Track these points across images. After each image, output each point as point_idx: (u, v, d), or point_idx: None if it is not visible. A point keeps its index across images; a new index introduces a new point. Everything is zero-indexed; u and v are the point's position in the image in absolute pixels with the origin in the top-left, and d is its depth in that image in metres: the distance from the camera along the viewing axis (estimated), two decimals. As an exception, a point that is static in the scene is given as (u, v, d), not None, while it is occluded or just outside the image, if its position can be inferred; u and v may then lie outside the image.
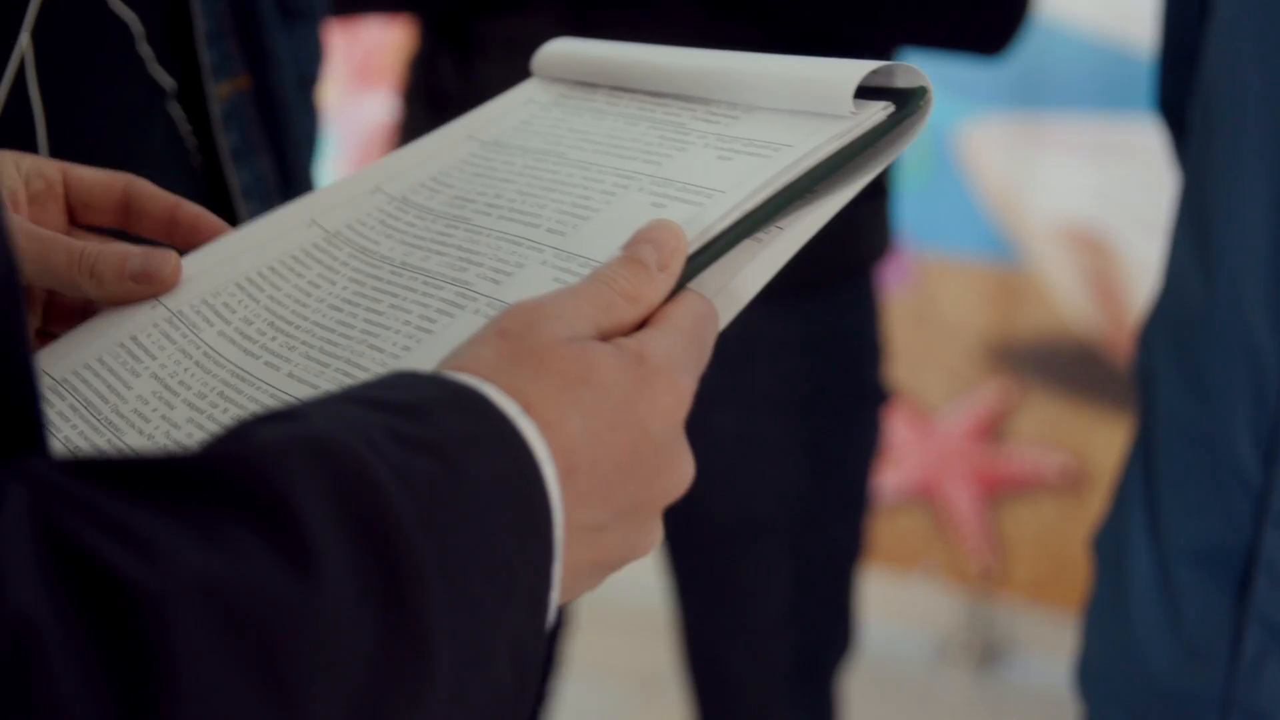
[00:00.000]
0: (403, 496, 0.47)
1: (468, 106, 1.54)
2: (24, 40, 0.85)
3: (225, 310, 0.71)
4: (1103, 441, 2.69)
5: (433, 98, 1.60)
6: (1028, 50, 2.50)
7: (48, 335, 0.74)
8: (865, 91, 0.67)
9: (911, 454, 2.83)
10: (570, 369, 0.56)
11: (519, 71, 1.51)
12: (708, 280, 0.64)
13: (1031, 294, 2.73)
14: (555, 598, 0.54)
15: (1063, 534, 2.75)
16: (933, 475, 2.83)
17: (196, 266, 0.73)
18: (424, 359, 0.62)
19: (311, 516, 0.45)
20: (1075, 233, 2.66)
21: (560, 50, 0.83)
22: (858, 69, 0.67)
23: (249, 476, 0.45)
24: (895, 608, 2.86)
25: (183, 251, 0.74)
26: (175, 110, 0.94)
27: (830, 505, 1.61)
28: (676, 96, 0.75)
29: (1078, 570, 2.74)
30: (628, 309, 0.60)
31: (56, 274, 0.70)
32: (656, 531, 0.60)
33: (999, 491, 2.79)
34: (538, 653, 0.53)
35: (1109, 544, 1.23)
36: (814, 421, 1.58)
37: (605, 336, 0.59)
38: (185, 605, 0.41)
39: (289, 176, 1.00)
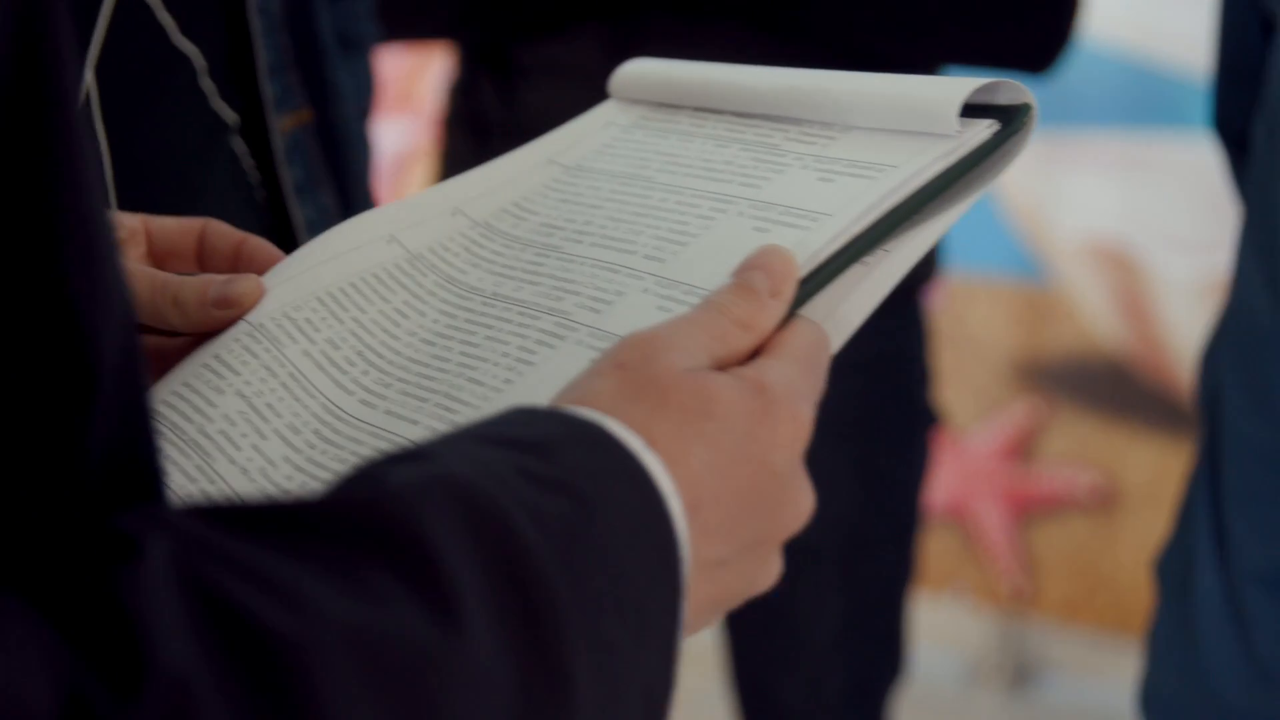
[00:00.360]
0: (538, 538, 0.47)
1: (510, 132, 1.55)
2: (88, 77, 0.84)
3: (308, 327, 0.69)
4: (1133, 459, 2.68)
5: (474, 124, 1.59)
6: (1053, 68, 2.50)
7: None
8: (966, 109, 0.65)
9: (941, 474, 2.82)
10: (691, 401, 0.55)
11: (562, 96, 1.50)
12: (815, 306, 0.62)
13: (1060, 312, 2.72)
14: (682, 637, 0.53)
15: (1094, 553, 2.73)
16: (963, 495, 2.81)
17: (275, 277, 0.71)
18: (527, 391, 0.61)
19: (452, 562, 0.44)
20: (1103, 250, 2.65)
21: (638, 71, 0.81)
22: (962, 86, 0.65)
23: (387, 521, 0.44)
24: (927, 629, 2.84)
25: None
26: (238, 145, 0.93)
27: (881, 529, 1.60)
28: (766, 117, 0.73)
29: (1109, 589, 2.72)
30: (742, 337, 0.59)
31: (142, 306, 0.69)
32: (776, 565, 0.59)
33: (1029, 511, 2.78)
34: (667, 695, 0.52)
35: (1173, 568, 1.21)
36: (864, 445, 1.57)
37: (720, 366, 0.58)
38: (334, 656, 0.41)
39: (351, 209, 0.99)
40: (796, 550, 1.58)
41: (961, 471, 2.80)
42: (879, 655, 1.64)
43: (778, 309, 0.60)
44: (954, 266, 2.76)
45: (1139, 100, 2.59)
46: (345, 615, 0.41)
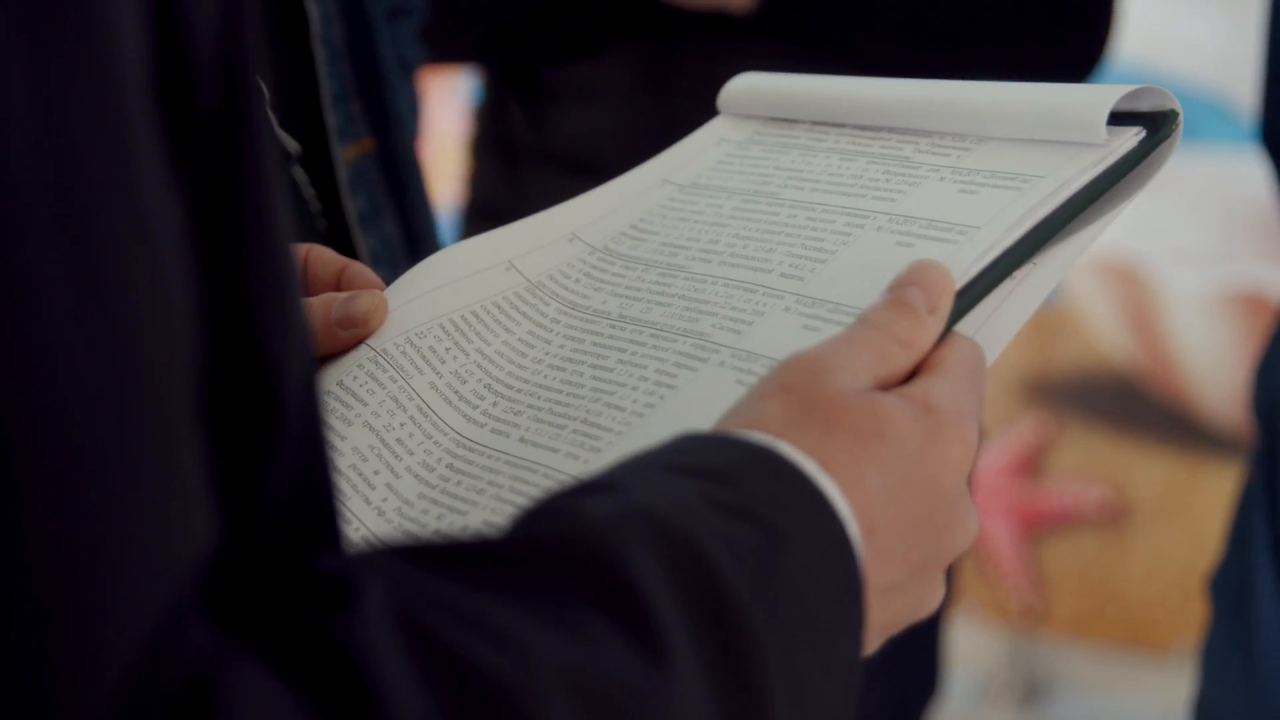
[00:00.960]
0: (736, 572, 0.46)
1: (539, 155, 1.53)
2: None
3: (433, 356, 0.68)
4: (1142, 475, 2.67)
5: (503, 147, 1.58)
6: (1059, 83, 2.50)
7: None
8: (1110, 118, 0.63)
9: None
10: (862, 423, 0.53)
11: (592, 118, 1.49)
12: (965, 323, 0.60)
13: (1068, 328, 2.71)
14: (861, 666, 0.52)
15: (1104, 569, 2.73)
16: (971, 512, 2.80)
17: (395, 298, 0.70)
18: (672, 416, 0.60)
19: (657, 599, 0.44)
20: (1111, 265, 2.65)
21: (749, 85, 0.79)
22: (1109, 93, 0.63)
23: (589, 558, 0.44)
24: (936, 647, 2.84)
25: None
26: (299, 175, 0.91)
27: None
28: (892, 129, 0.71)
29: (1120, 605, 2.71)
30: (903, 356, 0.57)
31: None
32: (942, 588, 0.58)
33: (1038, 527, 2.77)
34: None
35: (1228, 586, 1.21)
36: None
37: (882, 386, 0.56)
38: (555, 700, 0.40)
39: (414, 239, 0.97)
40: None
41: (971, 488, 2.79)
42: (917, 674, 1.63)
43: (936, 326, 0.58)
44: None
45: (1146, 115, 2.59)
46: (562, 658, 0.41)
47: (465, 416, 0.65)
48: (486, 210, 1.58)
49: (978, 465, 2.78)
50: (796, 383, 0.54)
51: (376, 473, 0.64)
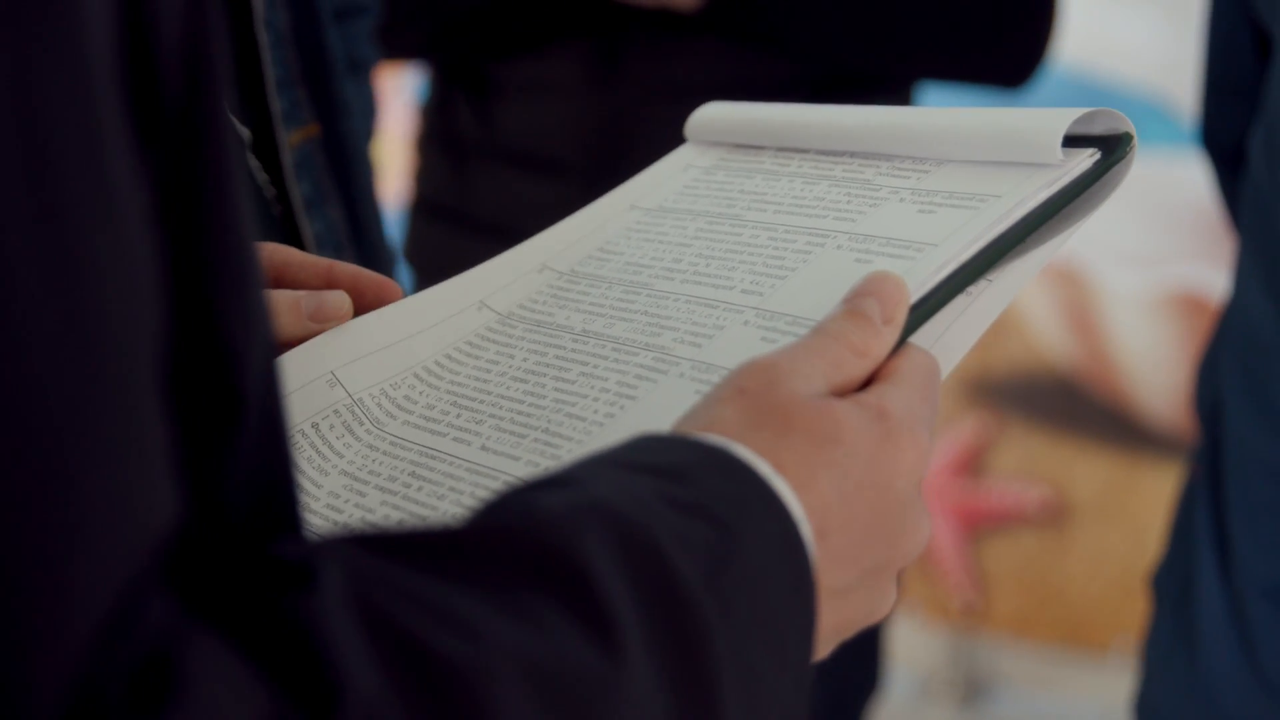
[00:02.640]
0: (687, 564, 0.47)
1: (487, 152, 1.53)
2: None
3: (407, 403, 0.69)
4: (1082, 474, 2.69)
5: (450, 144, 1.58)
6: (1001, 85, 2.51)
7: None
8: (1065, 140, 0.65)
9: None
10: (816, 427, 0.54)
11: (540, 114, 1.50)
12: (920, 336, 0.61)
13: (1008, 328, 2.73)
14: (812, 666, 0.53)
15: (1044, 567, 2.75)
16: (913, 512, 2.82)
17: (368, 341, 0.71)
18: (632, 425, 0.61)
19: (610, 590, 0.44)
20: (1051, 266, 2.67)
21: (714, 114, 0.81)
22: (1064, 116, 0.65)
23: (545, 549, 0.45)
24: (878, 646, 2.85)
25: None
26: (251, 161, 0.91)
27: None
28: (854, 154, 0.73)
29: (1060, 603, 2.73)
30: (857, 364, 0.58)
31: None
32: (893, 593, 0.58)
33: (979, 526, 2.79)
34: None
35: (1170, 582, 1.21)
36: None
37: (837, 392, 0.57)
38: (510, 684, 0.41)
39: (358, 225, 0.97)
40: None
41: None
42: (857, 671, 1.64)
43: (891, 335, 0.59)
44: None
45: (1086, 117, 2.61)
46: (517, 644, 0.42)
47: (431, 432, 0.66)
48: (433, 206, 1.58)
49: (919, 464, 2.79)
50: (752, 387, 0.55)
51: (347, 502, 0.65)
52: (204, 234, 0.42)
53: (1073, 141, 0.65)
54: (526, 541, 0.45)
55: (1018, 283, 0.64)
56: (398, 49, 1.59)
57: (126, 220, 0.38)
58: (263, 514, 0.44)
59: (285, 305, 0.69)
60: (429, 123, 1.62)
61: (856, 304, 0.60)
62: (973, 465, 2.78)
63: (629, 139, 1.45)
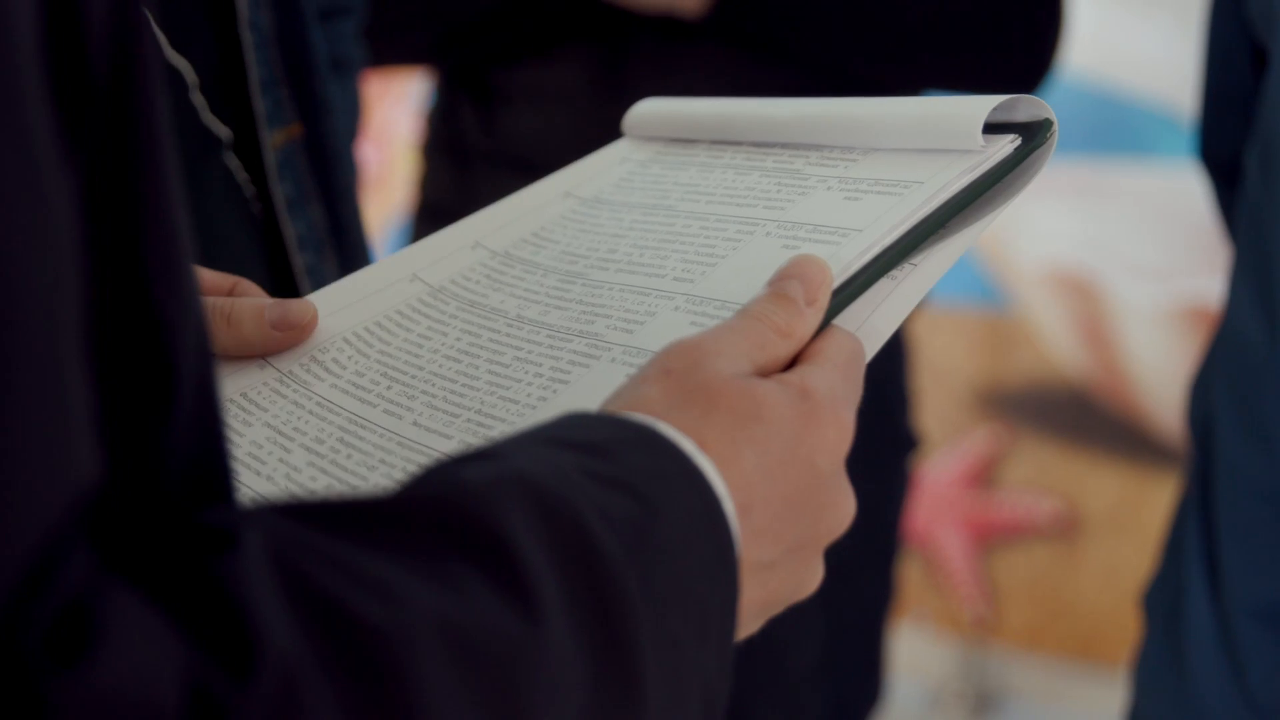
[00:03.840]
0: (609, 536, 0.48)
1: (491, 158, 1.54)
2: None
3: (335, 366, 0.70)
4: (1094, 486, 2.68)
5: (454, 150, 1.58)
6: (1014, 96, 2.50)
7: None
8: (987, 127, 0.67)
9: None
10: (739, 405, 0.56)
11: (544, 120, 1.50)
12: (846, 318, 0.63)
13: (1021, 339, 2.72)
14: (735, 638, 0.54)
15: (1056, 580, 2.74)
16: (924, 523, 2.81)
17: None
18: (564, 407, 0.61)
19: (530, 557, 0.45)
20: (1064, 277, 2.66)
21: (651, 109, 0.83)
22: (984, 103, 0.67)
23: (466, 516, 0.45)
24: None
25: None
26: (231, 160, 0.91)
27: (861, 555, 1.60)
28: (785, 145, 0.75)
29: (1071, 617, 2.72)
30: (781, 344, 0.60)
31: None
32: (819, 570, 0.60)
33: (991, 538, 2.78)
34: (723, 695, 0.53)
35: (1161, 600, 1.21)
36: (847, 469, 1.56)
37: (761, 373, 0.59)
38: (427, 645, 0.42)
39: (339, 227, 0.97)
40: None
41: (923, 499, 2.80)
42: (859, 682, 1.63)
43: (814, 317, 0.61)
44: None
45: (1100, 127, 2.60)
46: (435, 607, 0.42)
47: (360, 400, 0.67)
48: (437, 211, 1.59)
49: (930, 475, 2.79)
50: (677, 367, 0.56)
51: (270, 453, 0.66)
52: (135, 215, 0.42)
53: (997, 129, 0.67)
54: (448, 511, 0.45)
55: (942, 265, 0.65)
56: (400, 54, 1.60)
57: (46, 196, 0.38)
58: (195, 483, 0.45)
59: (250, 313, 0.70)
60: (433, 129, 1.62)
61: (781, 286, 0.61)
62: (984, 477, 2.77)
63: None
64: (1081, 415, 2.69)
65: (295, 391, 0.69)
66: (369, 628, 0.41)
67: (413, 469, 0.62)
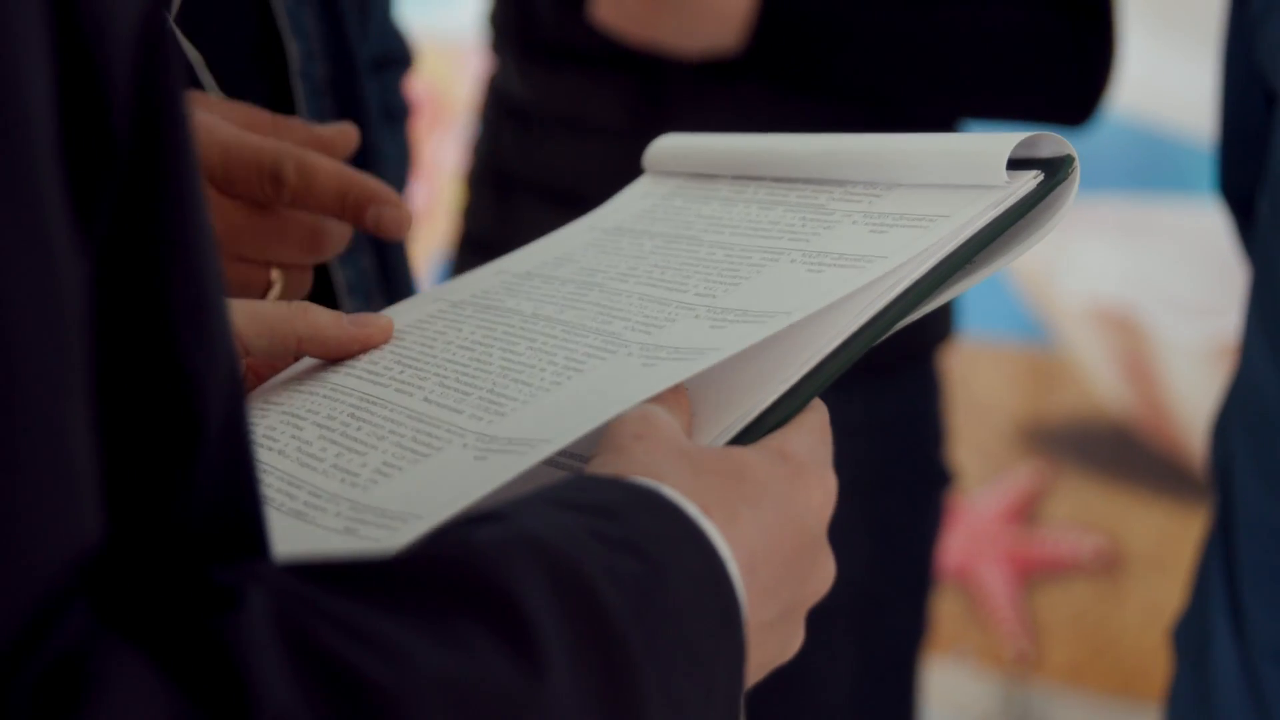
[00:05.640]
0: (615, 596, 0.48)
1: (532, 187, 1.55)
2: None
3: (349, 360, 0.72)
4: (1137, 523, 2.67)
5: (497, 178, 1.60)
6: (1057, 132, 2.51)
7: None
8: (1010, 163, 0.67)
9: (945, 537, 2.81)
10: (722, 467, 0.57)
11: (583, 154, 1.51)
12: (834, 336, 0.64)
13: (1064, 375, 2.72)
14: (743, 699, 0.54)
15: (1098, 617, 2.73)
16: (966, 558, 2.81)
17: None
18: (577, 393, 0.62)
19: (537, 615, 0.46)
20: (1108, 314, 2.66)
21: (672, 145, 0.84)
22: (1008, 139, 0.67)
23: (476, 576, 0.46)
24: (930, 693, 2.83)
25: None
26: None
27: (895, 588, 1.61)
28: (808, 180, 0.75)
29: (1114, 654, 2.71)
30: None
31: (267, 320, 0.70)
32: (802, 632, 0.61)
33: (1033, 574, 2.77)
34: None
35: (1190, 637, 1.21)
36: (881, 504, 1.57)
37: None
38: (427, 703, 0.42)
39: (389, 273, 0.99)
40: (811, 610, 1.59)
41: (965, 534, 2.80)
42: (891, 716, 1.64)
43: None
44: (959, 329, 2.76)
45: (1144, 165, 2.60)
46: (437, 665, 0.43)
47: (372, 382, 0.69)
48: (478, 242, 1.60)
49: (973, 511, 2.79)
50: (644, 433, 0.57)
51: (282, 433, 0.67)
52: (162, 269, 0.43)
53: (1020, 165, 0.68)
54: (458, 571, 0.46)
55: (948, 297, 0.67)
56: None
57: (53, 265, 0.39)
58: (223, 532, 0.46)
59: (326, 309, 0.71)
60: (478, 159, 1.64)
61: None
62: (1027, 513, 2.77)
63: None
64: (1124, 451, 2.68)
65: (308, 382, 0.70)
66: (371, 686, 0.41)
67: (424, 439, 0.63)
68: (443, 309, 0.74)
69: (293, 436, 0.66)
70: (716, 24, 1.43)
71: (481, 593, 0.46)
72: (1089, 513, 2.72)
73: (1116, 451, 2.69)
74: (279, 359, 0.72)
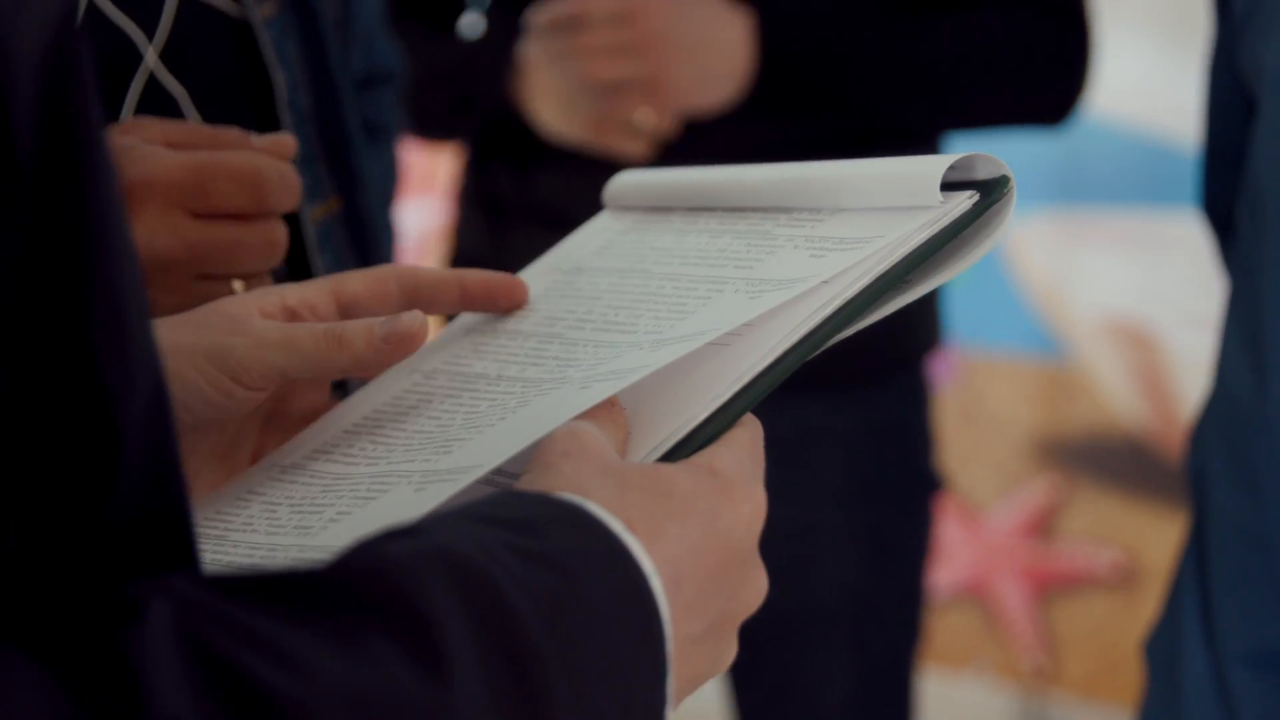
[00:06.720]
0: (526, 606, 0.49)
1: (524, 212, 1.57)
2: None
3: (329, 447, 0.74)
4: (1154, 537, 2.67)
5: (489, 204, 1.62)
6: (1069, 146, 2.51)
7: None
8: (950, 185, 0.69)
9: (961, 551, 2.82)
10: (648, 483, 0.57)
11: (577, 180, 1.53)
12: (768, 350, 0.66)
13: (1079, 389, 2.72)
14: (669, 712, 0.55)
15: (1115, 631, 2.73)
16: (983, 573, 2.81)
17: (319, 425, 0.76)
18: (515, 423, 0.65)
19: (444, 625, 0.46)
20: (1121, 327, 2.66)
21: (630, 181, 0.86)
22: (941, 161, 0.69)
23: (383, 587, 0.47)
24: (947, 707, 2.84)
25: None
26: None
27: (890, 595, 1.63)
28: (757, 209, 0.77)
29: (1131, 667, 2.71)
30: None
31: (305, 353, 0.69)
32: (734, 647, 0.61)
33: (1050, 588, 2.78)
34: None
35: (1161, 647, 1.22)
36: (873, 511, 1.60)
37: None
38: (327, 713, 0.43)
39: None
40: (809, 617, 1.61)
41: (981, 549, 2.80)
42: None
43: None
44: (972, 344, 2.77)
45: (1156, 178, 2.61)
46: (338, 674, 0.43)
47: (345, 464, 0.71)
48: (471, 262, 1.62)
49: (989, 526, 2.79)
50: (572, 449, 0.58)
51: (259, 517, 0.69)
52: (77, 292, 0.43)
53: (958, 186, 0.69)
54: (368, 582, 0.47)
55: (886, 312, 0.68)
56: (455, 133, 1.65)
57: None
58: (147, 549, 0.46)
59: (360, 332, 0.70)
60: (468, 182, 1.66)
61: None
62: (1043, 527, 2.77)
63: None
64: (1140, 465, 2.69)
65: (291, 471, 0.73)
66: (270, 694, 0.42)
67: (376, 488, 0.65)
68: (417, 381, 0.76)
69: (267, 519, 0.69)
70: (723, 83, 1.47)
71: (389, 603, 0.46)
72: (1105, 526, 2.72)
73: (1132, 465, 2.70)
74: (314, 373, 0.72)
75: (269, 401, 0.74)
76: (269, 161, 0.82)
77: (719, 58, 1.47)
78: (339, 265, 0.98)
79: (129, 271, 0.45)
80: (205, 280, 0.82)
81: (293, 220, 0.96)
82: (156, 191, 0.80)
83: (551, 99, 1.51)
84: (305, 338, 0.69)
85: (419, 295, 0.74)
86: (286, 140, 0.86)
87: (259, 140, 0.85)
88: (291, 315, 0.72)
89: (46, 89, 0.42)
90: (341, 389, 0.79)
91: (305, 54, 0.95)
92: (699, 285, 0.72)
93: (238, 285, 0.84)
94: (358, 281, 0.74)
